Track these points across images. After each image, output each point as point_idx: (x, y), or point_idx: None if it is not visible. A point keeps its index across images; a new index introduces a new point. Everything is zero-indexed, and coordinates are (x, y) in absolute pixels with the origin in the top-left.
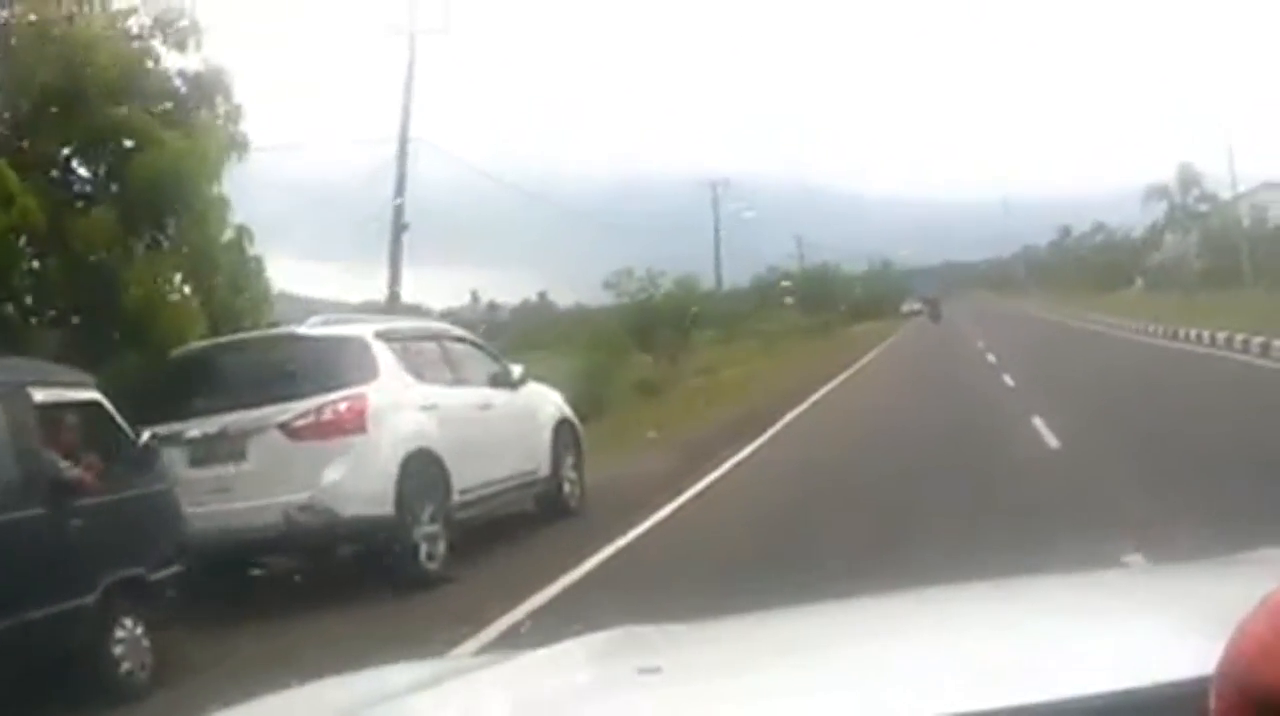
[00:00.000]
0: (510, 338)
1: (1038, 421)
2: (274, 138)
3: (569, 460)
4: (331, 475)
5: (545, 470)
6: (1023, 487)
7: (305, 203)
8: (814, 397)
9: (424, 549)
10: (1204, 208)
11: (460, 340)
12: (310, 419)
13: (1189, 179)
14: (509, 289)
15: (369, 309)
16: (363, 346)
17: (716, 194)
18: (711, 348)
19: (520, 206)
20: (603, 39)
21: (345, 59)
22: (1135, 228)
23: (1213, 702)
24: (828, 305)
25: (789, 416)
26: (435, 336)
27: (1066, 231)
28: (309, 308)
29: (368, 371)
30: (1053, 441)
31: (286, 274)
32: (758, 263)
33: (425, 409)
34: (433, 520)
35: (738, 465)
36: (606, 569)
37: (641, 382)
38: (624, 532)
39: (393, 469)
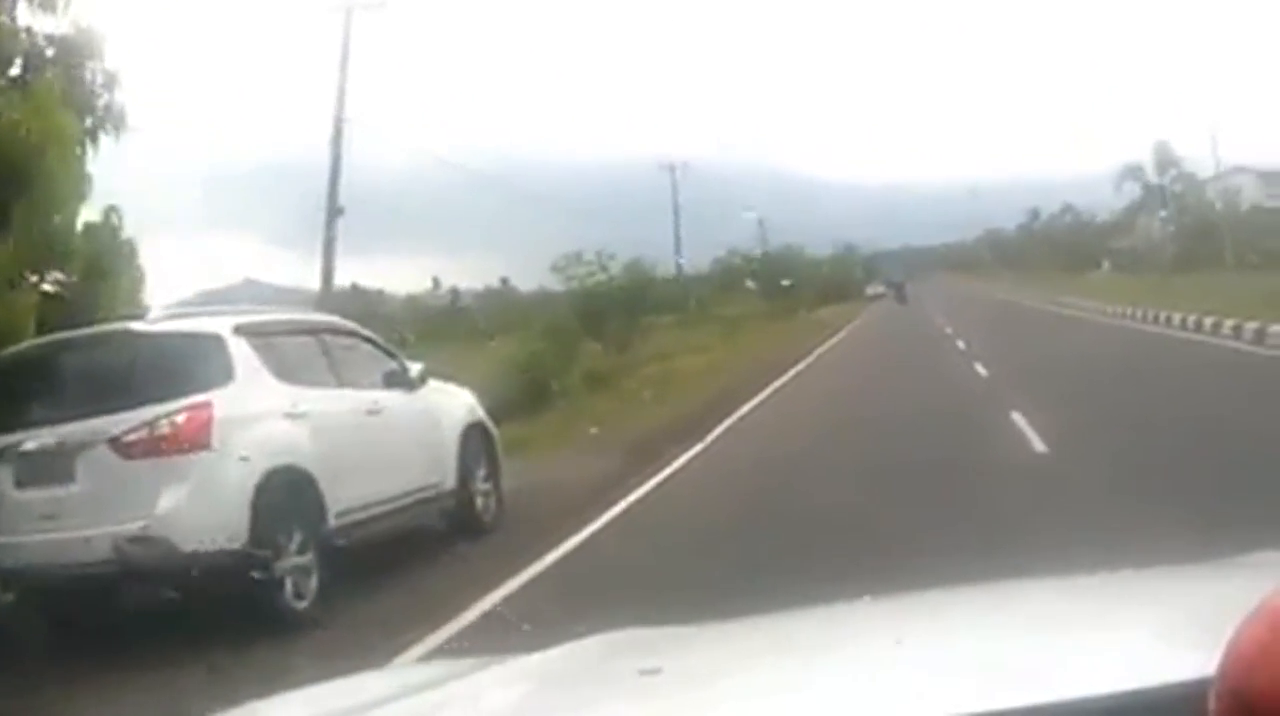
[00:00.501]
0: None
1: (1018, 418)
2: (246, 123)
3: (481, 470)
4: (168, 501)
5: (451, 482)
6: (1009, 510)
7: (275, 187)
8: (772, 388)
9: (290, 584)
10: (1179, 188)
11: (348, 333)
12: (143, 433)
13: (1166, 159)
14: (473, 275)
15: (336, 296)
16: (216, 344)
17: (675, 176)
18: (669, 333)
19: (482, 192)
20: (564, 23)
21: (316, 41)
22: (1107, 210)
23: (1211, 704)
24: (791, 288)
25: (744, 408)
26: (315, 330)
27: (1035, 214)
28: (277, 294)
29: (220, 374)
30: (1038, 444)
31: (253, 259)
32: (722, 246)
33: (293, 417)
34: (302, 550)
35: (684, 466)
36: (514, 603)
37: (590, 373)
38: (542, 555)
39: (246, 491)
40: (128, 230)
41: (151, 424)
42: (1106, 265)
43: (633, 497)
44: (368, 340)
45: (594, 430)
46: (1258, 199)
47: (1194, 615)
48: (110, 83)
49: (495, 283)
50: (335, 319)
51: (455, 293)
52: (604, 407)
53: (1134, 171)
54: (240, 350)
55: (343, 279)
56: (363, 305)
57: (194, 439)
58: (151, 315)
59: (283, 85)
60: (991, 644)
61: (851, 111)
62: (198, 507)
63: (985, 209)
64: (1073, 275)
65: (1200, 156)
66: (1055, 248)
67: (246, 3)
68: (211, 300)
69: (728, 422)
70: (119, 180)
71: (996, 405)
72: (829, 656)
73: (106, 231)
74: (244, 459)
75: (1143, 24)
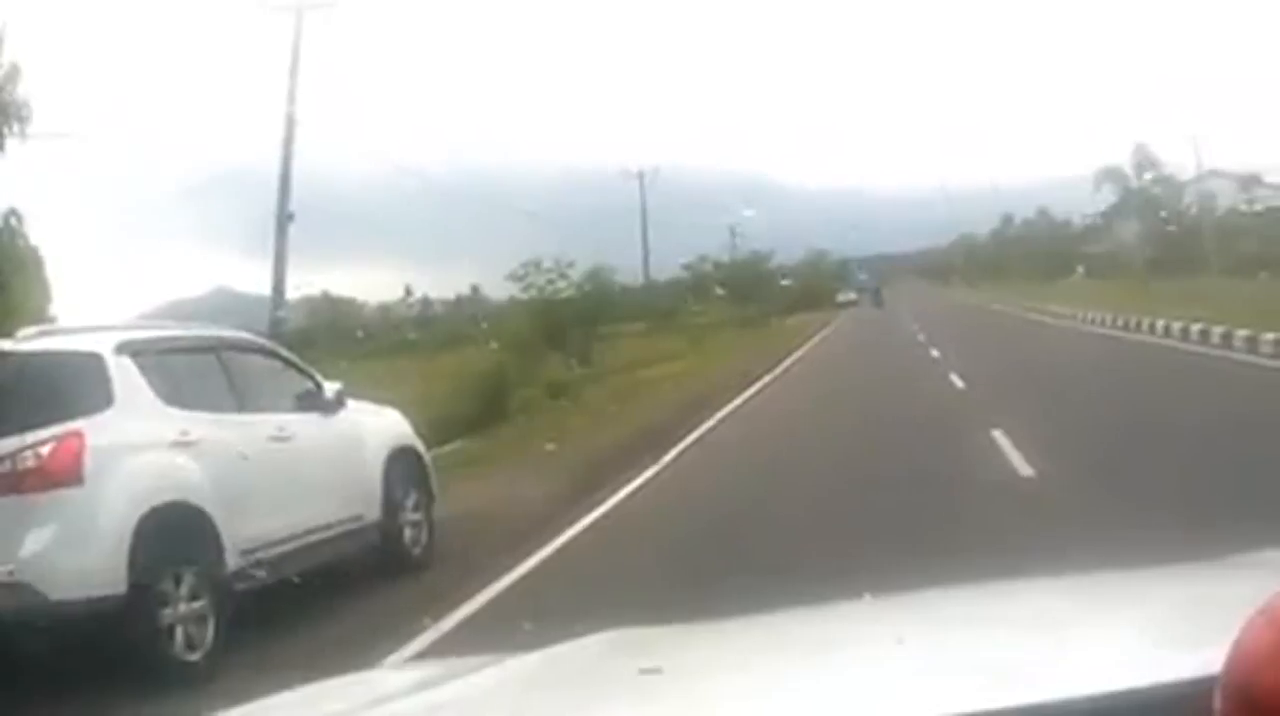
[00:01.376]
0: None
1: (999, 437)
2: (218, 129)
3: (410, 499)
4: (34, 543)
5: (375, 514)
6: (993, 546)
7: (250, 195)
8: (738, 401)
9: (180, 633)
10: (1159, 190)
11: (255, 351)
12: (5, 466)
13: (1145, 161)
14: (444, 283)
15: (305, 304)
16: (93, 364)
17: (643, 182)
18: (637, 341)
19: (454, 200)
20: (531, 29)
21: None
22: (1081, 214)
23: (1217, 704)
24: (761, 295)
25: (708, 423)
26: (216, 347)
27: (1009, 219)
28: (248, 302)
29: (96, 398)
30: (1023, 467)
31: (227, 267)
32: (693, 251)
33: (183, 446)
34: (194, 596)
35: (641, 487)
36: (434, 656)
37: (551, 385)
38: (473, 595)
39: (124, 531)
40: (96, 238)
41: (14, 456)
42: (1081, 270)
43: (583, 524)
44: (279, 357)
45: (550, 446)
46: (1234, 203)
47: (1197, 614)
48: (13, 76)
49: (466, 291)
50: (242, 335)
51: (426, 301)
52: (564, 422)
53: (1112, 174)
54: (122, 371)
55: (314, 287)
56: (336, 312)
57: (63, 473)
58: (23, 332)
59: (254, 91)
60: (992, 643)
61: (823, 117)
62: (68, 551)
63: (959, 214)
64: (1046, 281)
65: (1178, 159)
66: (1029, 253)
67: (215, 8)
68: (179, 309)
69: (689, 439)
70: (92, 189)
71: (976, 421)
72: (828, 655)
73: (4, 238)
74: (122, 494)
75: (1117, 27)
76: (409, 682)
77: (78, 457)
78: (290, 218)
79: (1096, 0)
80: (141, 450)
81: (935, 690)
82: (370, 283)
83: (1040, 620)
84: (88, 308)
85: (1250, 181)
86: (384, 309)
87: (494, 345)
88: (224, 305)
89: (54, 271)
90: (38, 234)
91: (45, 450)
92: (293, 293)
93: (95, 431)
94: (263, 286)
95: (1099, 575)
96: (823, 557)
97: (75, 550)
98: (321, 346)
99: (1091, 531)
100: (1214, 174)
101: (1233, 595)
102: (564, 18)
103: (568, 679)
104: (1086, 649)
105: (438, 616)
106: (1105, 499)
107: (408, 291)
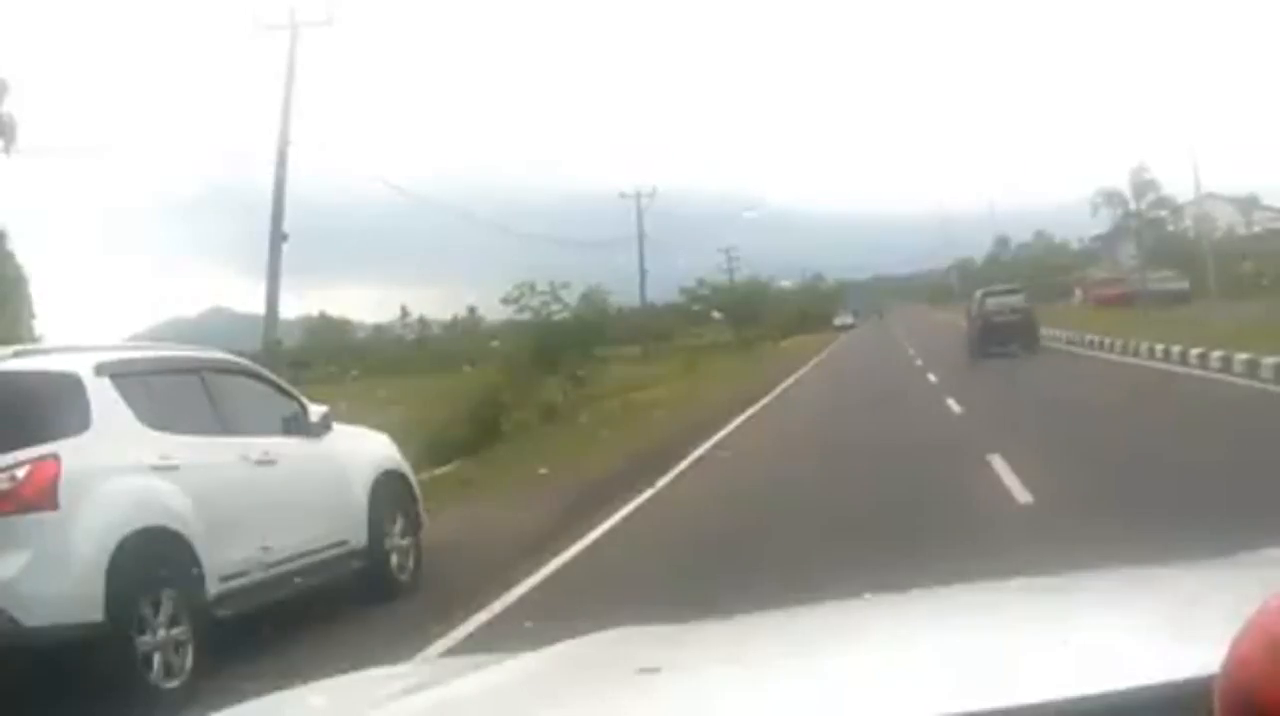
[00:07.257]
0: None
1: (997, 462)
2: (218, 150)
3: (397, 524)
4: (8, 569)
5: (361, 539)
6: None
7: (249, 215)
8: (731, 426)
9: (158, 660)
10: (1163, 213)
11: (239, 373)
12: None
13: (1142, 185)
14: (442, 305)
15: (303, 324)
16: (70, 385)
17: (640, 204)
18: (632, 365)
19: (451, 223)
20: (540, 54)
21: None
22: (1082, 237)
23: (1216, 704)
24: (758, 319)
25: (700, 449)
26: (198, 369)
27: (1004, 242)
28: (249, 322)
29: (73, 420)
30: (1021, 493)
31: (225, 289)
32: (692, 274)
33: (163, 470)
34: (174, 622)
35: (633, 514)
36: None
37: (546, 408)
38: (459, 623)
39: (101, 557)
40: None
41: None
42: (1078, 293)
43: (575, 550)
44: (263, 379)
45: (543, 470)
46: (1232, 225)
47: (1197, 613)
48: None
49: (463, 312)
50: (225, 356)
51: (423, 322)
52: (557, 445)
53: (1110, 197)
54: (101, 393)
55: (311, 308)
56: (332, 332)
57: (38, 497)
58: (0, 352)
59: (252, 110)
60: (992, 642)
61: (822, 141)
62: (43, 576)
63: (956, 237)
64: (1043, 304)
65: (1177, 182)
66: (1025, 275)
67: (211, 26)
68: (175, 329)
69: (683, 464)
70: (90, 207)
71: (974, 446)
72: (827, 654)
73: None
74: (99, 519)
75: (1115, 52)
76: (409, 682)
77: (53, 481)
78: (284, 237)
79: (1094, 26)
80: (120, 474)
81: (935, 689)
82: (367, 303)
83: (1040, 619)
84: (79, 327)
85: (1249, 204)
86: (380, 329)
87: (467, 368)
88: (220, 325)
89: (48, 290)
90: (28, 252)
91: (20, 473)
92: (284, 312)
93: (72, 454)
94: (259, 306)
95: (1099, 574)
96: (819, 583)
97: (51, 576)
98: (318, 367)
99: (1095, 561)
100: (1212, 196)
101: (1233, 594)
102: (564, 41)
103: (568, 678)
104: (1086, 648)
105: (423, 643)
106: (1106, 528)
107: (404, 312)
